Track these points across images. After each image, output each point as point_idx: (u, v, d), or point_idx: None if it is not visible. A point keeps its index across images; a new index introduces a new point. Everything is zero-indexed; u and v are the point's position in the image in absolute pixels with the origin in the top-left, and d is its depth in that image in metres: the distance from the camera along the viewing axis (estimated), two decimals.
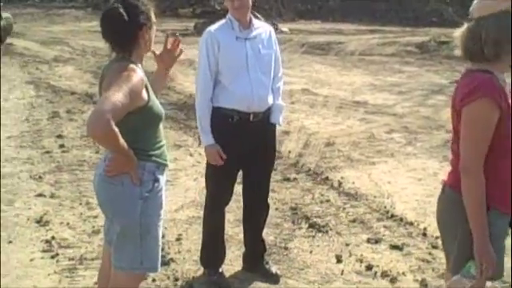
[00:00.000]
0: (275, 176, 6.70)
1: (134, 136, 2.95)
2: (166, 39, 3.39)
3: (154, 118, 3.06)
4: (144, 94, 2.96)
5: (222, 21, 4.15)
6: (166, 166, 3.17)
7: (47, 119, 9.13)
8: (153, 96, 3.04)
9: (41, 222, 5.32)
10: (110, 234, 3.12)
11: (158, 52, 3.38)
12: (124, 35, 2.98)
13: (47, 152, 7.40)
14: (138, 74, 2.92)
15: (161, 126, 3.15)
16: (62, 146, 7.65)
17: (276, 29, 23.09)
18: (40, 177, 6.50)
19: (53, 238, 4.99)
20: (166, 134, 8.22)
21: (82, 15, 27.17)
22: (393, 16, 26.86)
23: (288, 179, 6.66)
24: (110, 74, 2.95)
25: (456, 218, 2.80)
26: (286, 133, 8.63)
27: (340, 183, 6.52)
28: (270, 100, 4.20)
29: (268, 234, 5.13)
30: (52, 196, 5.95)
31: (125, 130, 2.83)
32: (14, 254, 4.70)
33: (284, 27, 22.57)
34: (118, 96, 2.76)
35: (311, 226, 5.39)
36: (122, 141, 2.80)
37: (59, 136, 8.09)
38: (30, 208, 5.65)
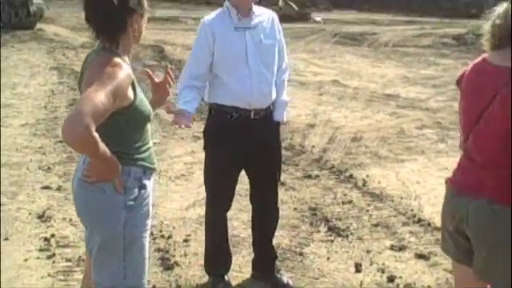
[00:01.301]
0: (296, 173, 6.36)
1: (118, 138, 2.60)
2: (149, 75, 2.99)
3: (141, 118, 2.69)
4: (130, 92, 2.59)
5: (219, 9, 3.78)
6: (153, 169, 2.81)
7: (66, 106, 8.85)
8: (140, 94, 2.67)
9: (43, 217, 5.02)
10: (91, 244, 2.77)
11: (156, 79, 3.01)
12: (111, 21, 2.61)
13: (60, 141, 7.09)
14: (124, 69, 2.55)
15: (148, 126, 2.78)
16: None
17: (309, 18, 22.73)
18: (49, 167, 6.22)
19: (52, 235, 4.67)
20: None
21: None
22: (430, 7, 26.12)
23: (309, 176, 6.26)
24: (93, 67, 2.57)
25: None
26: (311, 126, 8.24)
27: (365, 182, 6.10)
28: (273, 95, 3.82)
29: (283, 237, 4.77)
30: (58, 189, 5.66)
31: (107, 131, 2.49)
32: (8, 253, 4.40)
33: (317, 17, 22.11)
34: (99, 96, 2.38)
35: (330, 229, 5.00)
36: (102, 147, 2.43)
37: None
38: (34, 201, 5.36)
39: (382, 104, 9.76)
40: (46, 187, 5.67)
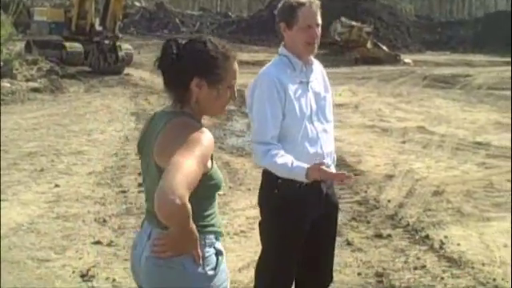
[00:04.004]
0: (366, 231, 5.82)
1: (192, 207, 2.29)
2: None
3: (214, 187, 2.46)
4: (209, 161, 2.36)
5: (275, 59, 3.33)
6: (221, 233, 2.53)
7: (136, 154, 8.68)
8: (214, 163, 2.43)
9: (86, 276, 4.71)
10: None
11: None
12: (173, 82, 2.44)
13: (123, 191, 6.90)
14: (207, 136, 2.32)
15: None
16: (140, 184, 7.13)
17: (398, 60, 22.09)
18: (105, 220, 5.95)
19: None
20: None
21: None
22: None
23: (380, 236, 5.68)
24: (173, 130, 2.33)
25: None
26: (389, 177, 7.67)
27: (442, 244, 5.46)
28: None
29: None
30: (109, 244, 5.36)
31: None
32: None
33: (407, 59, 21.44)
34: (189, 163, 2.17)
35: None
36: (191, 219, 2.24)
37: (141, 173, 7.59)
38: (82, 258, 5.08)
39: (470, 153, 9.06)
40: (97, 242, 5.39)
